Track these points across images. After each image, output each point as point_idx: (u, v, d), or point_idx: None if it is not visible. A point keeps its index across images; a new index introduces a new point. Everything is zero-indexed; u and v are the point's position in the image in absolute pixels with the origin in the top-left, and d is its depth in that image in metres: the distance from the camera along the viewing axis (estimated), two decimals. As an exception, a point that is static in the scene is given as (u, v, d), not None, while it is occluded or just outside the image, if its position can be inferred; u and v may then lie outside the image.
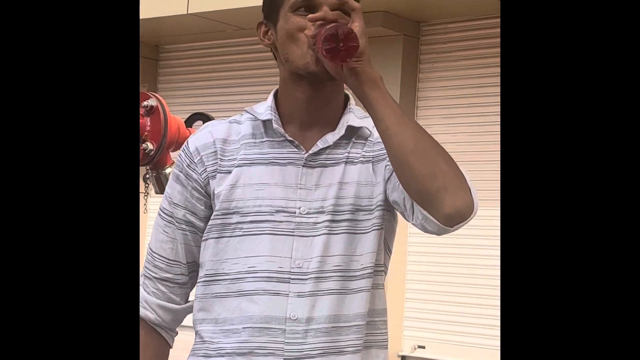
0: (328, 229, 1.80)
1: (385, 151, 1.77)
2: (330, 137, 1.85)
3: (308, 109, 1.85)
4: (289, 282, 1.79)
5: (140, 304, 1.91)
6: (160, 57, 10.64)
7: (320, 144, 1.84)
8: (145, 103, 3.46)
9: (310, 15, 1.74)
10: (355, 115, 1.87)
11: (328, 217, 1.80)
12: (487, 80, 8.24)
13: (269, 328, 1.78)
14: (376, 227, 1.83)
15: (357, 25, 1.71)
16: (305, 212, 1.80)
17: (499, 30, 1.82)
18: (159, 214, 1.92)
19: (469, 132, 8.45)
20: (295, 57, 1.81)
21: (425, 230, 1.76)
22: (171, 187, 1.91)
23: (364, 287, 1.82)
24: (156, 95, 3.47)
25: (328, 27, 1.68)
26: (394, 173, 1.78)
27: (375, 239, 1.84)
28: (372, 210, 1.83)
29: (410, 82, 8.65)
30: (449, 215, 1.68)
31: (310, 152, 1.84)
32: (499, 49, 1.63)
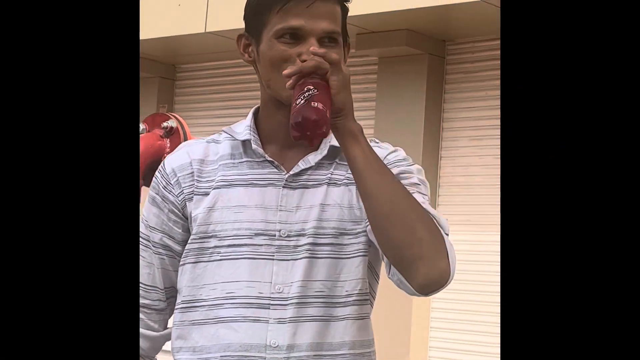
0: (310, 252, 1.80)
1: None
2: (312, 158, 1.86)
3: (287, 132, 1.79)
4: (269, 308, 1.79)
5: None
6: (177, 77, 10.75)
7: (301, 165, 1.85)
8: (164, 124, 3.52)
9: (285, 72, 1.73)
10: None
11: (309, 240, 1.80)
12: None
13: (248, 356, 1.77)
14: (361, 253, 1.82)
15: (334, 80, 1.69)
16: (286, 235, 1.81)
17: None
18: (139, 239, 1.92)
19: (496, 154, 8.30)
20: (277, 87, 1.81)
21: (400, 288, 1.76)
22: (147, 209, 1.90)
23: (350, 314, 1.81)
24: (176, 116, 3.52)
25: (294, 111, 1.68)
26: None
27: (361, 265, 1.83)
28: (357, 234, 1.83)
29: (436, 102, 8.65)
30: (423, 285, 1.70)
31: (291, 172, 1.84)
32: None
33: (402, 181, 1.78)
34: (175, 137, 3.54)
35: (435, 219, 1.75)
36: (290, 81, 1.69)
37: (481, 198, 8.45)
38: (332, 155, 1.87)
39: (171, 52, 10.12)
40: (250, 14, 1.86)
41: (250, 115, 1.91)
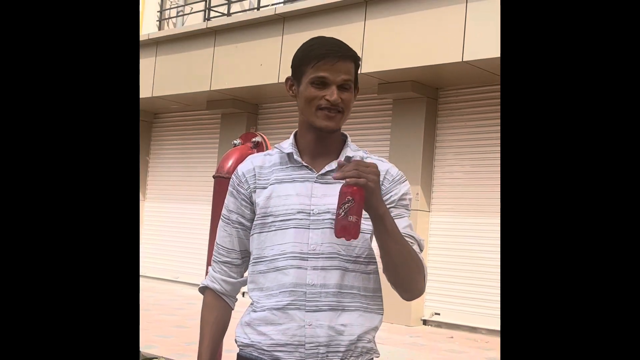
0: (332, 224, 1.79)
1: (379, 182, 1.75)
2: (334, 163, 1.85)
3: (316, 145, 1.87)
4: (307, 260, 1.80)
5: (210, 279, 1.96)
6: (259, 113, 10.77)
7: (327, 168, 1.85)
8: (254, 140, 3.52)
9: (335, 175, 1.68)
10: (351, 149, 1.89)
11: (332, 217, 1.80)
12: (493, 131, 8.16)
13: (296, 290, 1.79)
14: (367, 231, 1.81)
15: (365, 193, 1.65)
16: (317, 212, 1.81)
17: (499, 94, 1.55)
18: (221, 218, 1.96)
19: (474, 164, 8.40)
20: (307, 114, 1.83)
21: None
22: (227, 199, 1.94)
23: (357, 269, 1.82)
24: (261, 134, 3.52)
25: (337, 221, 1.65)
26: None
27: (367, 239, 1.82)
28: (366, 219, 1.77)
29: (431, 130, 8.66)
30: (409, 299, 1.81)
31: (320, 173, 1.85)
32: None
33: (398, 220, 1.78)
34: (260, 148, 3.53)
35: (418, 243, 1.80)
36: (337, 174, 1.67)
37: (462, 193, 8.42)
38: (347, 162, 1.85)
39: (255, 95, 10.19)
40: (296, 65, 1.86)
41: (292, 136, 1.92)
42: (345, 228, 1.65)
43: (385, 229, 1.70)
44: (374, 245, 1.80)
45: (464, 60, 7.36)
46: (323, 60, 1.80)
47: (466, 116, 8.49)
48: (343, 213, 1.65)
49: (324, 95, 1.80)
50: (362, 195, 1.65)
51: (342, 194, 1.66)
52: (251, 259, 1.90)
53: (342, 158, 1.86)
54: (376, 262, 1.84)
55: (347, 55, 1.82)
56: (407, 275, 1.74)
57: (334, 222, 1.71)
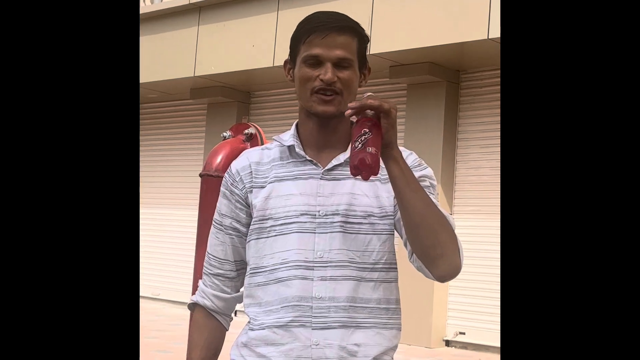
0: (343, 228, 1.81)
1: None
2: (342, 156, 1.86)
3: (319, 136, 1.87)
4: (313, 269, 1.80)
5: (200, 294, 1.97)
6: (251, 102, 10.81)
7: (334, 162, 1.85)
8: (246, 131, 3.50)
9: (350, 105, 1.69)
10: None
11: (342, 219, 1.81)
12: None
13: (300, 305, 1.79)
14: (386, 232, 1.84)
15: (385, 123, 1.67)
16: (323, 214, 1.82)
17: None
18: (212, 224, 1.98)
19: None
20: (302, 98, 1.84)
21: (419, 271, 1.79)
22: (219, 202, 1.95)
23: (376, 278, 1.82)
24: (255, 125, 3.49)
25: (354, 153, 1.67)
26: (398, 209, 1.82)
27: (387, 242, 1.84)
28: (383, 217, 1.83)
29: (452, 119, 8.70)
30: (442, 276, 1.75)
31: (326, 168, 1.86)
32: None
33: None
34: (254, 141, 3.51)
35: (448, 220, 1.76)
36: (349, 111, 1.68)
37: (488, 193, 8.46)
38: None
39: (247, 82, 10.23)
40: (291, 44, 1.88)
41: (293, 126, 1.94)
42: (363, 161, 1.65)
43: (401, 172, 1.71)
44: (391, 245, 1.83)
45: (489, 37, 7.37)
46: (314, 34, 1.80)
47: (493, 102, 8.49)
48: (360, 145, 1.66)
49: (318, 75, 1.80)
50: (380, 129, 1.68)
51: (357, 127, 1.68)
52: (248, 269, 1.89)
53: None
54: (396, 267, 1.86)
55: (342, 27, 1.81)
56: (432, 235, 1.71)
57: (350, 156, 1.69)
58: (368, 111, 1.68)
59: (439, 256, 1.71)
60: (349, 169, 1.78)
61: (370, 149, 1.66)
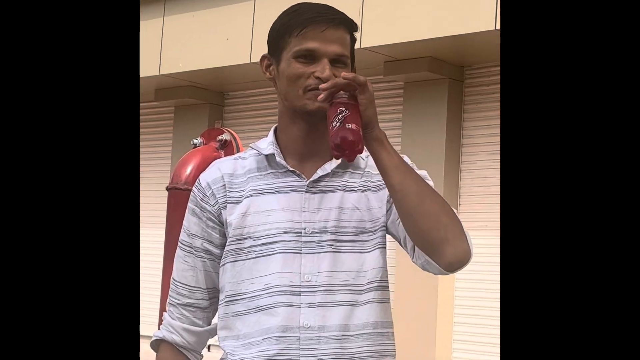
0: (333, 247, 1.84)
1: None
2: (329, 166, 1.89)
3: (305, 142, 1.90)
4: (300, 295, 1.82)
5: (167, 328, 1.97)
6: (225, 103, 10.84)
7: (320, 172, 1.88)
8: (219, 137, 3.59)
9: (322, 86, 1.77)
10: None
11: (332, 237, 1.84)
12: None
13: (286, 336, 1.80)
14: (379, 246, 1.88)
15: (363, 98, 1.74)
16: (310, 232, 1.84)
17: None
18: (179, 246, 1.99)
19: None
20: (293, 97, 1.85)
21: (425, 270, 1.84)
22: (188, 220, 1.96)
23: (372, 299, 1.86)
24: (229, 130, 3.61)
25: (332, 133, 1.73)
26: (393, 207, 1.86)
27: (380, 256, 1.88)
28: (375, 231, 1.87)
29: (456, 122, 8.74)
30: (450, 263, 1.77)
31: (311, 179, 1.88)
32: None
33: None
34: (229, 149, 3.59)
35: (448, 204, 1.82)
36: (322, 95, 1.74)
37: (497, 206, 7.90)
38: (345, 164, 1.92)
39: (220, 81, 10.24)
40: (274, 37, 1.90)
41: (271, 133, 1.95)
42: (345, 139, 1.70)
43: (388, 154, 1.76)
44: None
45: (497, 28, 7.37)
46: (311, 26, 1.83)
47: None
48: (338, 123, 1.72)
49: (312, 72, 1.83)
50: (357, 107, 1.75)
51: (332, 108, 1.74)
52: (222, 297, 1.90)
53: (339, 159, 1.89)
54: (389, 285, 1.92)
55: (340, 21, 1.85)
56: (432, 218, 1.75)
57: (329, 137, 1.74)
58: (341, 92, 1.75)
59: (442, 240, 1.75)
60: (336, 180, 1.85)
61: (350, 125, 1.71)
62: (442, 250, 1.76)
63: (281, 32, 1.88)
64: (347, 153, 1.71)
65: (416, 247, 1.81)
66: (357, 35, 1.95)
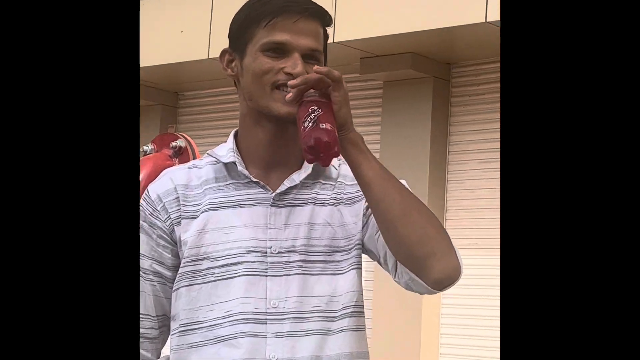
0: (302, 269, 1.84)
1: (361, 192, 1.82)
2: (297, 177, 1.89)
3: (270, 149, 1.89)
4: (266, 323, 1.82)
5: None
6: (180, 104, 10.88)
7: (287, 183, 1.88)
8: (173, 144, 3.55)
9: (291, 83, 1.77)
10: None
11: (301, 257, 1.84)
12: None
13: None
14: (354, 267, 1.88)
15: (337, 96, 1.75)
16: (277, 252, 1.84)
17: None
18: None
19: None
20: (258, 96, 1.85)
21: (409, 289, 1.82)
22: None
23: (346, 327, 1.85)
24: (185, 135, 3.57)
25: (305, 134, 1.72)
26: (371, 221, 1.85)
27: (356, 278, 1.88)
28: (350, 250, 1.88)
29: (442, 126, 8.76)
30: (439, 280, 1.76)
31: (277, 191, 1.88)
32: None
33: None
34: (184, 156, 3.54)
35: (433, 214, 1.82)
36: (291, 94, 1.75)
37: (488, 221, 8.47)
38: (316, 174, 1.92)
39: (174, 80, 10.26)
40: (236, 29, 1.90)
41: (231, 138, 1.95)
42: (319, 140, 1.69)
43: (366, 158, 1.77)
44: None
45: (487, 20, 7.33)
46: (281, 16, 1.83)
47: (493, 104, 8.45)
48: (311, 123, 1.72)
49: (282, 68, 1.82)
50: (330, 106, 1.76)
51: (303, 108, 1.75)
52: (175, 326, 1.89)
53: (309, 168, 1.90)
54: (364, 312, 1.92)
55: (314, 12, 1.86)
56: (417, 229, 1.74)
57: (301, 140, 1.74)
58: (312, 90, 1.76)
59: (429, 255, 1.75)
60: (305, 192, 1.87)
61: (325, 125, 1.71)
62: (429, 266, 1.75)
63: (246, 23, 1.87)
64: (322, 156, 1.71)
65: (399, 264, 1.80)
66: (330, 30, 1.94)
